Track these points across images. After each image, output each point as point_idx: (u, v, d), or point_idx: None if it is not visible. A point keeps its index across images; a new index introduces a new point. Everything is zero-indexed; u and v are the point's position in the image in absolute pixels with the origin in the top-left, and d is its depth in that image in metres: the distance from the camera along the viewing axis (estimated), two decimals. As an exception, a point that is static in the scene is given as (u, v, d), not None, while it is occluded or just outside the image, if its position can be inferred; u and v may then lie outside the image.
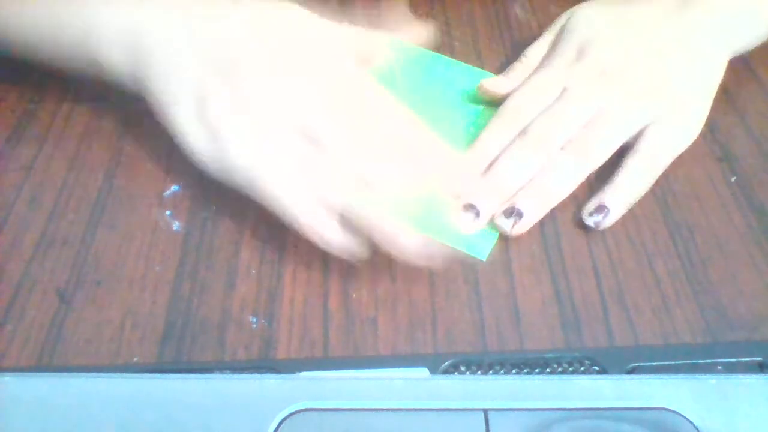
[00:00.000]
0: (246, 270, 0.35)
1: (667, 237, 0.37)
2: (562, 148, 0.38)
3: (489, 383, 0.27)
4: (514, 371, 0.31)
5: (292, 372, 0.31)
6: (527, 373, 0.31)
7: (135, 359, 0.32)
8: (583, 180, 0.38)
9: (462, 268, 0.35)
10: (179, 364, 0.32)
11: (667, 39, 0.41)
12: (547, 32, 0.44)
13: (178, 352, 0.32)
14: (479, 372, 0.31)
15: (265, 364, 0.32)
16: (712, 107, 0.42)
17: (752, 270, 0.35)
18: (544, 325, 0.33)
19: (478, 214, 0.36)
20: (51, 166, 0.40)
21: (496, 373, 0.31)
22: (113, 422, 0.26)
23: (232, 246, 0.36)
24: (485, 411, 0.26)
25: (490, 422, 0.26)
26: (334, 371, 0.31)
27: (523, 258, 0.36)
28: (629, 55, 0.40)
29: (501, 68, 0.45)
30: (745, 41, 0.43)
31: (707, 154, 0.41)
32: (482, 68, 0.46)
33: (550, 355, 0.32)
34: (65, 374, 0.27)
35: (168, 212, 0.38)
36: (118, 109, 0.43)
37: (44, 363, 0.31)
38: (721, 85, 0.43)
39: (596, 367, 0.31)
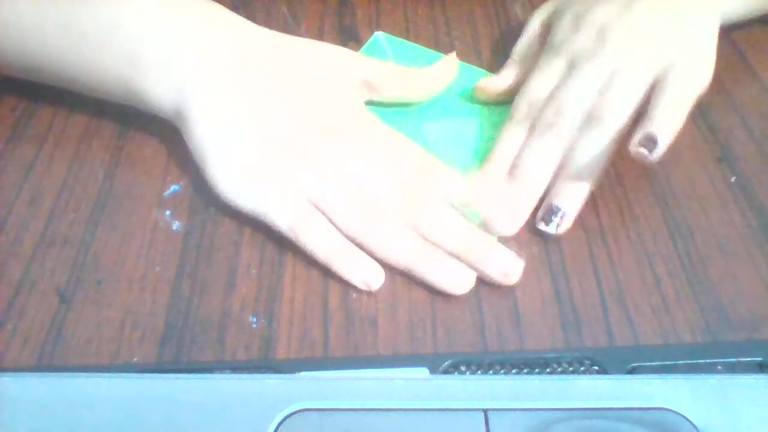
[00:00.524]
0: (246, 270, 0.35)
1: (667, 237, 0.37)
2: (581, 124, 0.37)
3: (489, 383, 0.27)
4: (514, 371, 0.31)
5: (292, 372, 0.31)
6: (527, 373, 0.31)
7: (135, 359, 0.32)
8: (613, 150, 0.37)
9: (462, 268, 0.35)
10: (179, 364, 0.32)
11: None
12: (529, 25, 0.44)
13: (178, 352, 0.32)
14: (479, 372, 0.31)
15: (265, 364, 0.32)
16: (712, 107, 0.43)
17: (752, 270, 0.35)
18: (544, 325, 0.33)
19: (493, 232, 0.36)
20: (51, 166, 0.40)
21: (496, 373, 0.31)
22: (113, 422, 0.26)
23: (232, 246, 0.36)
24: (485, 411, 0.26)
25: (490, 422, 0.26)
26: (334, 371, 0.31)
27: (523, 258, 0.36)
28: (625, 12, 0.39)
29: (501, 68, 0.45)
30: (733, 5, 0.43)
31: (707, 154, 0.41)
32: (482, 68, 0.46)
33: (550, 355, 0.32)
34: (65, 374, 0.27)
35: (168, 212, 0.38)
36: (118, 109, 0.43)
37: (44, 363, 0.31)
38: (721, 85, 0.43)
39: (596, 367, 0.31)
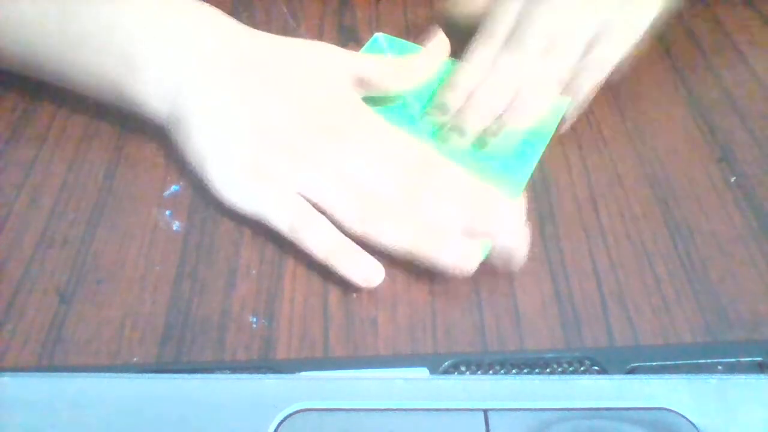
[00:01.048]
0: (246, 270, 0.35)
1: (667, 237, 0.37)
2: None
3: (489, 383, 0.27)
4: (514, 371, 0.31)
5: (292, 372, 0.31)
6: (527, 373, 0.31)
7: (135, 359, 0.32)
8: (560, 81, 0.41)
9: (462, 268, 0.35)
10: (179, 364, 0.32)
11: None
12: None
13: (178, 352, 0.32)
14: (479, 372, 0.31)
15: (265, 364, 0.32)
16: (712, 107, 0.43)
17: (752, 270, 0.35)
18: (544, 325, 0.33)
19: (463, 133, 0.39)
20: (51, 166, 0.40)
21: (496, 373, 0.31)
22: (113, 422, 0.26)
23: (232, 246, 0.36)
24: (485, 411, 0.26)
25: (490, 422, 0.26)
26: (334, 371, 0.31)
27: (523, 257, 0.36)
28: None
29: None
30: None
31: (707, 154, 0.41)
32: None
33: (550, 355, 0.32)
34: (65, 374, 0.27)
35: (168, 212, 0.38)
36: (118, 110, 0.43)
37: (44, 363, 0.31)
38: (721, 85, 0.43)
39: (596, 367, 0.31)
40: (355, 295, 0.34)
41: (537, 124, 0.42)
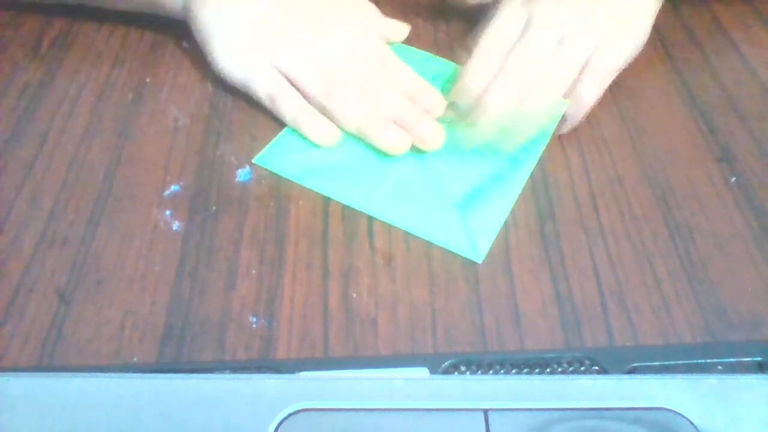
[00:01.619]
0: (246, 270, 0.35)
1: (667, 237, 0.37)
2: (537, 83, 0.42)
3: (489, 383, 0.27)
4: (514, 371, 0.31)
5: (292, 372, 0.31)
6: (527, 373, 0.31)
7: (135, 359, 0.32)
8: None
9: (462, 268, 0.35)
10: (179, 364, 0.32)
11: None
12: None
13: (178, 352, 0.32)
14: (479, 372, 0.31)
15: (265, 364, 0.32)
16: (712, 107, 0.43)
17: (752, 270, 0.35)
18: (544, 325, 0.33)
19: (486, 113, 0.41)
20: (51, 166, 0.40)
21: (496, 373, 0.31)
22: (113, 422, 0.26)
23: (232, 246, 0.36)
24: (485, 411, 0.26)
25: (490, 422, 0.26)
26: (334, 371, 0.31)
27: (523, 258, 0.36)
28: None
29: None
30: None
31: (707, 154, 0.41)
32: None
33: (550, 355, 0.32)
34: (65, 374, 0.27)
35: (168, 212, 0.38)
36: (118, 109, 0.43)
37: (44, 363, 0.31)
38: (721, 85, 0.43)
39: (596, 367, 0.31)
40: (354, 295, 0.34)
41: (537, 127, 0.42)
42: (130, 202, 0.38)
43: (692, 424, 0.26)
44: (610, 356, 0.32)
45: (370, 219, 0.37)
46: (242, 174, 0.40)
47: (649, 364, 0.31)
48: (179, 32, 0.47)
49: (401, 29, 0.48)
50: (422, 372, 0.31)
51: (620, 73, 0.43)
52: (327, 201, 0.38)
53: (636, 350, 0.32)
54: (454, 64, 0.46)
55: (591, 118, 0.43)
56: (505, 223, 0.37)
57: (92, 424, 0.26)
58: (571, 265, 0.35)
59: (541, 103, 0.41)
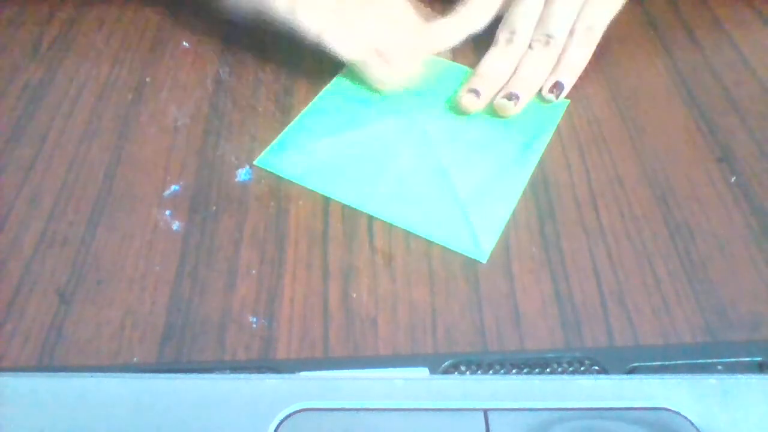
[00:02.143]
0: (246, 270, 0.35)
1: (667, 237, 0.37)
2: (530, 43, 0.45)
3: (489, 383, 0.27)
4: (514, 371, 0.31)
5: (292, 372, 0.31)
6: (527, 373, 0.31)
7: (135, 359, 0.32)
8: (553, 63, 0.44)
9: (462, 268, 0.35)
10: (179, 364, 0.32)
11: None
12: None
13: (178, 352, 0.32)
14: (479, 372, 0.31)
15: (265, 364, 0.32)
16: (712, 107, 0.42)
17: (752, 270, 0.35)
18: (544, 325, 0.33)
19: (478, 95, 0.43)
20: (51, 166, 0.40)
21: (496, 373, 0.31)
22: (113, 422, 0.26)
23: (232, 246, 0.36)
24: (485, 411, 0.26)
25: (490, 422, 0.26)
26: (334, 371, 0.31)
27: (523, 258, 0.36)
28: None
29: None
30: None
31: (707, 154, 0.41)
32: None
33: (550, 355, 0.32)
34: (65, 374, 0.27)
35: (168, 212, 0.38)
36: (118, 109, 0.43)
37: (44, 363, 0.31)
38: (721, 85, 0.43)
39: (596, 367, 0.31)
40: (354, 295, 0.34)
41: (537, 124, 0.42)
42: (130, 202, 0.38)
43: (692, 424, 0.26)
44: (610, 356, 0.32)
45: (371, 219, 0.37)
46: (242, 174, 0.40)
47: (649, 364, 0.31)
48: (179, 32, 0.47)
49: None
50: (422, 372, 0.31)
51: (620, 73, 0.43)
52: (327, 201, 0.38)
53: (636, 350, 0.32)
54: (453, 63, 0.46)
55: (591, 118, 0.43)
56: (506, 223, 0.37)
57: (92, 424, 0.26)
58: (571, 265, 0.35)
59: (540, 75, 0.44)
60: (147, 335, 0.32)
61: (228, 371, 0.31)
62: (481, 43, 0.47)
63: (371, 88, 0.44)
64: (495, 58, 0.45)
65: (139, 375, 0.27)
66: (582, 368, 0.31)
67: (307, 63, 0.46)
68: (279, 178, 0.39)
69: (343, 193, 0.39)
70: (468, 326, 0.33)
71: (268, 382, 0.27)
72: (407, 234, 0.37)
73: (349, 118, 0.43)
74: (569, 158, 0.41)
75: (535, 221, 0.37)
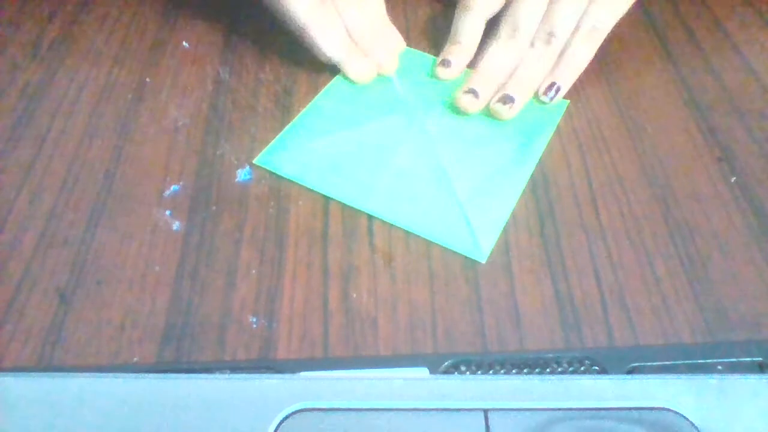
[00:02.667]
0: (246, 270, 0.35)
1: (667, 237, 0.37)
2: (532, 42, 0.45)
3: (489, 383, 0.27)
4: (514, 371, 0.31)
5: (292, 372, 0.31)
6: (527, 373, 0.31)
7: (135, 359, 0.32)
8: (553, 62, 0.44)
9: (462, 268, 0.35)
10: (179, 364, 0.32)
11: None
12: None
13: (178, 352, 0.32)
14: (479, 372, 0.31)
15: (265, 364, 0.32)
16: (712, 107, 0.42)
17: (752, 270, 0.35)
18: (544, 325, 0.33)
19: (477, 95, 0.42)
20: (51, 166, 0.40)
21: (496, 373, 0.31)
22: (113, 422, 0.26)
23: (232, 246, 0.36)
24: (485, 411, 0.26)
25: (490, 422, 0.26)
26: (334, 371, 0.31)
27: (523, 258, 0.36)
28: None
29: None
30: None
31: (707, 154, 0.41)
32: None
33: (550, 355, 0.32)
34: (65, 374, 0.27)
35: (168, 212, 0.38)
36: (119, 109, 0.43)
37: (44, 363, 0.31)
38: (721, 85, 0.42)
39: (596, 367, 0.31)
40: (355, 295, 0.34)
41: (537, 124, 0.42)
42: (130, 202, 0.38)
43: (692, 424, 0.26)
44: (610, 356, 0.32)
45: (370, 219, 0.37)
46: (242, 174, 0.40)
47: (649, 364, 0.31)
48: (179, 32, 0.47)
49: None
50: (422, 372, 0.31)
51: (620, 73, 0.43)
52: (327, 201, 0.38)
53: (636, 350, 0.32)
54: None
55: (591, 118, 0.43)
56: (506, 223, 0.37)
57: (92, 424, 0.26)
58: (571, 265, 0.35)
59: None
60: (147, 335, 0.32)
61: (228, 371, 0.31)
62: (482, 43, 0.47)
63: (364, 86, 0.44)
64: (496, 53, 0.44)
65: (139, 375, 0.27)
66: (582, 368, 0.31)
67: (307, 63, 0.46)
68: (279, 177, 0.39)
69: (343, 192, 0.39)
70: (468, 326, 0.33)
71: (268, 382, 0.27)
72: (407, 234, 0.37)
73: (348, 117, 0.43)
74: (569, 158, 0.41)
75: (535, 221, 0.37)
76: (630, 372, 0.31)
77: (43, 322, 0.33)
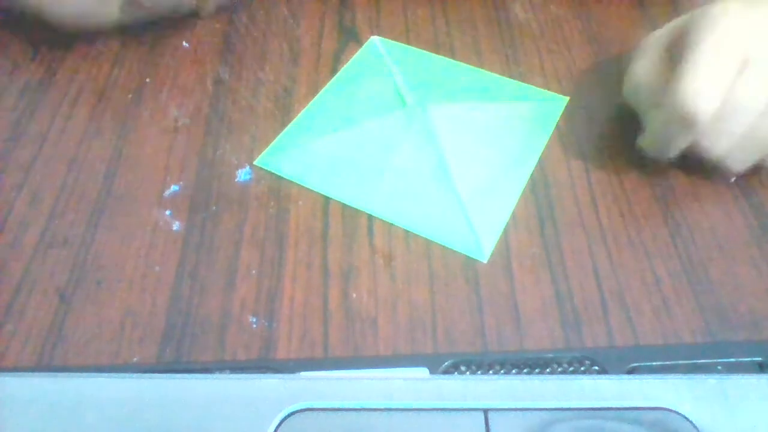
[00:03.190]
0: (246, 270, 0.35)
1: (667, 237, 0.37)
2: None
3: (489, 383, 0.27)
4: (514, 371, 0.31)
5: (292, 372, 0.31)
6: (527, 373, 0.31)
7: (135, 359, 0.32)
8: None
9: (462, 268, 0.35)
10: (179, 364, 0.32)
11: None
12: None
13: (178, 352, 0.32)
14: (479, 372, 0.31)
15: (265, 364, 0.32)
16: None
17: (752, 270, 0.35)
18: (544, 325, 0.33)
19: None
20: (51, 166, 0.40)
21: (496, 373, 0.31)
22: (113, 422, 0.26)
23: (232, 246, 0.36)
24: (485, 411, 0.26)
25: (490, 422, 0.26)
26: (334, 371, 0.31)
27: (523, 258, 0.36)
28: None
29: (501, 68, 0.46)
30: None
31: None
32: (482, 68, 0.46)
33: (550, 355, 0.32)
34: (65, 374, 0.27)
35: (168, 212, 0.38)
36: (118, 109, 0.43)
37: (44, 363, 0.32)
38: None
39: (596, 367, 0.31)
40: (354, 295, 0.34)
41: (537, 124, 0.42)
42: (130, 202, 0.38)
43: (692, 424, 0.26)
44: (610, 356, 0.32)
45: (370, 219, 0.37)
46: (242, 174, 0.40)
47: (649, 364, 0.31)
48: (179, 32, 0.47)
49: None
50: (422, 372, 0.31)
51: (620, 73, 0.42)
52: (327, 201, 0.38)
53: (636, 350, 0.32)
54: (453, 61, 0.46)
55: (591, 117, 0.43)
56: (506, 223, 0.37)
57: (92, 424, 0.26)
58: (571, 265, 0.35)
59: None
60: (147, 335, 0.32)
61: (228, 371, 0.31)
62: (481, 42, 0.47)
63: (364, 86, 0.43)
64: None
65: (139, 375, 0.27)
66: (582, 368, 0.31)
67: (307, 63, 0.46)
68: (279, 178, 0.39)
69: (343, 192, 0.39)
70: (468, 326, 0.33)
71: (268, 382, 0.27)
72: (407, 234, 0.37)
73: (348, 117, 0.43)
74: (569, 158, 0.41)
75: (535, 221, 0.37)
76: (630, 372, 0.31)
77: (43, 322, 0.33)
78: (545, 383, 0.27)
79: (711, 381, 0.27)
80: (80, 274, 0.35)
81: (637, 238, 0.37)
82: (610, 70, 0.46)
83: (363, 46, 0.47)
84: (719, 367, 0.31)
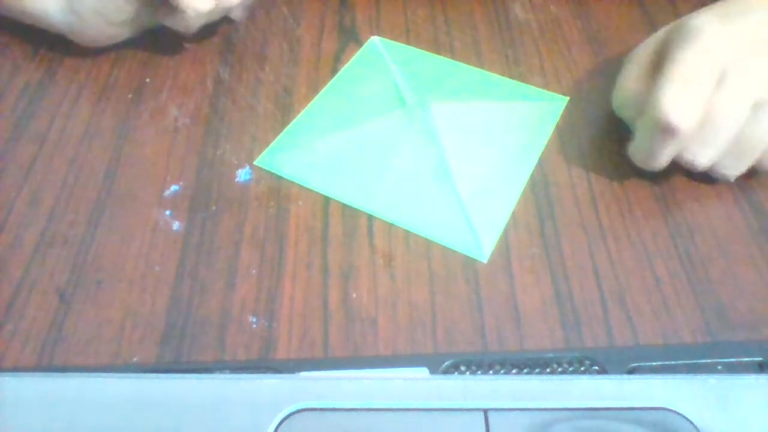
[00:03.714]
0: (246, 270, 0.35)
1: (667, 237, 0.37)
2: None
3: (489, 383, 0.27)
4: (514, 371, 0.31)
5: (292, 372, 0.31)
6: (527, 373, 0.31)
7: (135, 359, 0.32)
8: None
9: (462, 268, 0.35)
10: (179, 364, 0.32)
11: None
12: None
13: (178, 352, 0.32)
14: (479, 372, 0.31)
15: (265, 364, 0.32)
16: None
17: (752, 270, 0.35)
18: (544, 325, 0.33)
19: None
20: (51, 166, 0.40)
21: (496, 373, 0.31)
22: (113, 422, 0.26)
23: (232, 246, 0.36)
24: (485, 411, 0.26)
25: (490, 422, 0.26)
26: (334, 371, 0.31)
27: (523, 258, 0.36)
28: None
29: (501, 68, 0.46)
30: None
31: (707, 154, 0.41)
32: (482, 68, 0.46)
33: (550, 355, 0.32)
34: (65, 374, 0.27)
35: (168, 212, 0.38)
36: (119, 109, 0.43)
37: (44, 363, 0.31)
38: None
39: (596, 367, 0.31)
40: (354, 295, 0.34)
41: (536, 124, 0.42)
42: (130, 202, 0.38)
43: (692, 424, 0.26)
44: (610, 356, 0.32)
45: (370, 219, 0.38)
46: (242, 174, 0.40)
47: (649, 364, 0.31)
48: (179, 32, 0.47)
49: None
50: (422, 372, 0.31)
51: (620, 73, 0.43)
52: (327, 201, 0.38)
53: (636, 350, 0.32)
54: (453, 61, 0.46)
55: (591, 117, 0.43)
56: (506, 222, 0.37)
57: (92, 424, 0.26)
58: (571, 265, 0.35)
59: None
60: (147, 335, 0.32)
61: (228, 371, 0.31)
62: (481, 42, 0.47)
63: (364, 85, 0.43)
64: None
65: (139, 375, 0.27)
66: (582, 368, 0.31)
67: (307, 63, 0.46)
68: (279, 178, 0.39)
69: (343, 192, 0.39)
70: (468, 326, 0.33)
71: (268, 382, 0.27)
72: (407, 234, 0.37)
73: (348, 116, 0.43)
74: (569, 158, 0.41)
75: (535, 221, 0.37)
76: (630, 372, 0.31)
77: (43, 322, 0.33)
78: (545, 383, 0.27)
79: (711, 381, 0.27)
80: (80, 274, 0.35)
81: (637, 238, 0.37)
82: (610, 70, 0.46)
83: (363, 46, 0.47)
84: (719, 367, 0.31)
